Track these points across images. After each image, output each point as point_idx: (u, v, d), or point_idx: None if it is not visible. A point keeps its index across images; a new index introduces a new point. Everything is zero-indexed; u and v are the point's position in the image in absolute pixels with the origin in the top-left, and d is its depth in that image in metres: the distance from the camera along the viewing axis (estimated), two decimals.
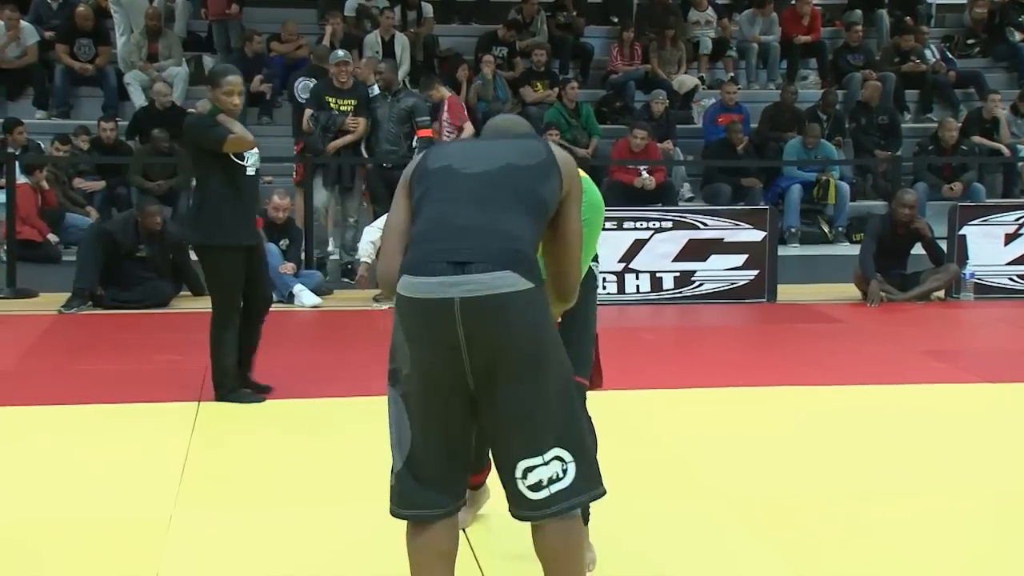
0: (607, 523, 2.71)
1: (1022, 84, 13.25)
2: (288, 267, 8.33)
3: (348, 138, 9.35)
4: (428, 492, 2.60)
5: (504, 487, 2.64)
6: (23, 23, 11.63)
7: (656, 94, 11.86)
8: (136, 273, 8.13)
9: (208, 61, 12.26)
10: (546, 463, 2.57)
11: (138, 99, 11.33)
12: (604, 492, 2.69)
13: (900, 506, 4.05)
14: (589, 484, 2.65)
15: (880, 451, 4.74)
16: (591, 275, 3.28)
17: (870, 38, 13.80)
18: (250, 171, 5.34)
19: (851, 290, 8.60)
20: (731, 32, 13.55)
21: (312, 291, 8.28)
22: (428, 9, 12.94)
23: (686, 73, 12.93)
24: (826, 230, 11.05)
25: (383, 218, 8.47)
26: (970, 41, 14.34)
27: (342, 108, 9.30)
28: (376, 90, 9.69)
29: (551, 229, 2.71)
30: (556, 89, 11.81)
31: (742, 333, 7.90)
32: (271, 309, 8.02)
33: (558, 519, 2.59)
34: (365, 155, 9.55)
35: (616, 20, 13.78)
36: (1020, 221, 9.01)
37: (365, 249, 8.22)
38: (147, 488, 4.19)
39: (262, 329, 5.60)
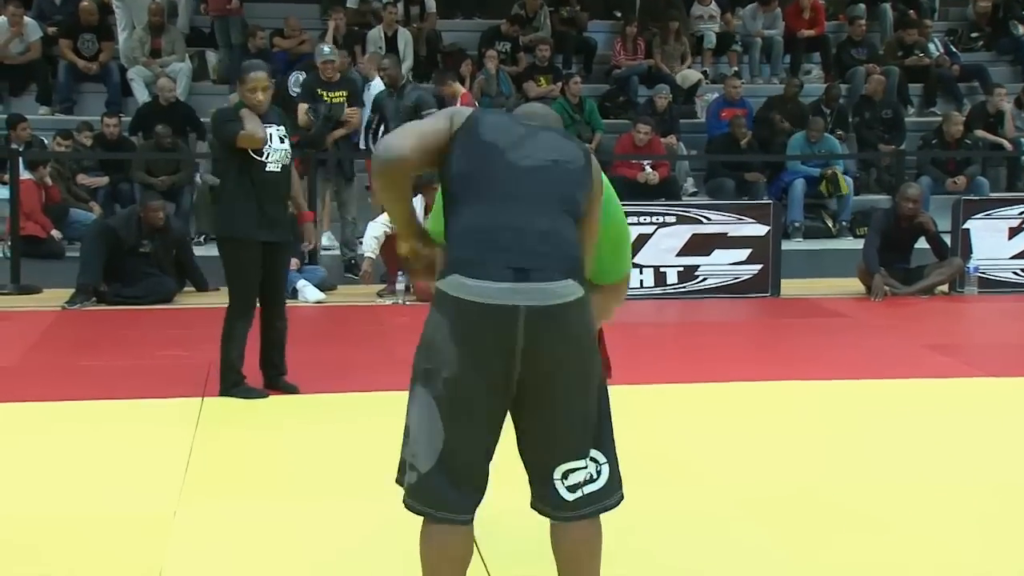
0: (611, 517, 2.70)
1: None
2: (292, 262, 8.32)
3: (342, 130, 9.36)
4: (457, 495, 2.56)
5: (536, 487, 2.63)
6: (27, 19, 11.64)
7: (659, 89, 11.85)
8: (139, 269, 8.13)
9: (211, 57, 12.28)
10: (585, 466, 2.58)
11: (141, 95, 11.33)
12: (623, 497, 2.69)
13: (903, 500, 4.05)
14: (616, 486, 2.66)
15: (883, 445, 4.73)
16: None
17: (873, 32, 13.78)
18: (272, 167, 5.28)
19: (855, 284, 8.59)
20: (734, 26, 13.54)
21: (316, 287, 8.28)
22: (431, 4, 12.94)
23: (689, 68, 12.92)
24: (830, 224, 11.05)
25: (385, 213, 8.50)
26: (974, 35, 14.32)
27: (334, 100, 9.29)
28: (379, 84, 9.68)
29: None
30: (559, 84, 11.80)
31: (746, 327, 7.90)
32: None
33: (585, 520, 2.60)
34: (371, 150, 9.53)
35: (619, 15, 13.78)
36: (1023, 215, 8.99)
37: (369, 244, 8.22)
38: (151, 483, 4.20)
39: (285, 327, 5.55)
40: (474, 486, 2.58)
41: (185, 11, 12.66)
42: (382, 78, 9.57)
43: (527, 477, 2.66)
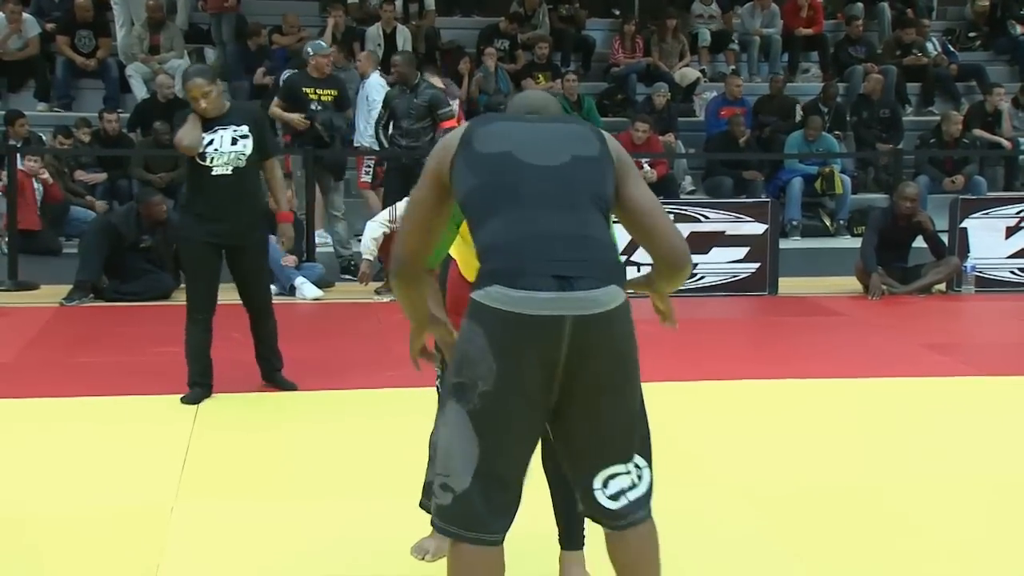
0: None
1: (1023, 77, 13.24)
2: (289, 259, 8.33)
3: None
4: (492, 514, 2.45)
5: (580, 497, 2.57)
6: (25, 15, 11.63)
7: (658, 87, 11.86)
8: (138, 265, 8.13)
9: (210, 54, 12.28)
10: (628, 471, 2.52)
11: (140, 91, 11.33)
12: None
13: (900, 497, 4.05)
14: (652, 492, 2.59)
15: (880, 443, 4.74)
16: None
17: (871, 31, 13.80)
18: (219, 170, 5.14)
19: (852, 283, 8.60)
20: (733, 25, 13.55)
21: (314, 284, 8.29)
22: (430, 1, 12.94)
23: (687, 66, 12.92)
24: (827, 223, 11.06)
25: (384, 213, 8.49)
26: (971, 34, 14.34)
27: (323, 98, 9.23)
28: (375, 81, 9.68)
29: (623, 212, 2.59)
30: (558, 81, 11.81)
31: (743, 326, 7.91)
32: (273, 301, 8.08)
33: (639, 525, 2.54)
34: (383, 147, 9.49)
35: (618, 13, 13.78)
36: (1021, 214, 9.01)
37: (367, 246, 8.21)
38: (149, 479, 4.20)
39: (274, 329, 5.53)
40: (508, 505, 2.49)
41: (184, 8, 12.65)
42: (392, 75, 9.52)
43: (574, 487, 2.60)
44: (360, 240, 8.73)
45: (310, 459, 4.47)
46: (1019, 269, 8.95)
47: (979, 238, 8.85)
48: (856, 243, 9.17)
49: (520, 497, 2.50)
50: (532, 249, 2.40)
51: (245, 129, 5.21)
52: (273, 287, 8.22)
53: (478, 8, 13.79)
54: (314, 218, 9.19)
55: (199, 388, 5.28)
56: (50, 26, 11.83)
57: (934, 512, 3.94)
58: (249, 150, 5.20)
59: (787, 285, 8.63)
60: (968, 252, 8.80)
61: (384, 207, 9.11)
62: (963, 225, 8.88)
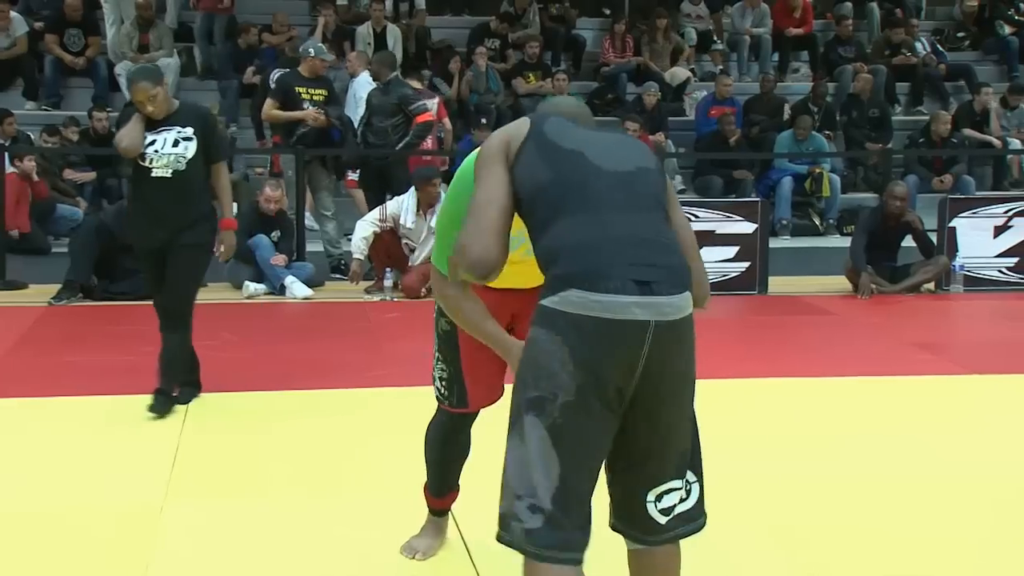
0: (605, 513, 2.71)
1: (1012, 77, 13.30)
2: (279, 259, 8.33)
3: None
4: (576, 532, 2.33)
5: (622, 509, 2.46)
6: (13, 13, 11.60)
7: (648, 86, 11.88)
8: (127, 265, 8.10)
9: (199, 53, 12.26)
10: (680, 486, 2.44)
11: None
12: (706, 522, 2.52)
13: (888, 495, 4.07)
14: (703, 508, 2.51)
15: (869, 441, 4.76)
16: None
17: (861, 31, 13.84)
18: (158, 172, 4.97)
19: (842, 282, 8.62)
20: (722, 25, 13.58)
21: (303, 283, 8.28)
22: (420, 1, 12.94)
23: (677, 66, 12.95)
24: (817, 222, 11.09)
25: (375, 212, 8.50)
26: (960, 34, 14.40)
27: (315, 98, 9.22)
28: (364, 80, 9.67)
29: None
30: (549, 80, 11.82)
31: (733, 325, 7.92)
32: (263, 300, 8.13)
33: (671, 543, 2.47)
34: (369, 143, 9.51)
35: (608, 12, 13.80)
36: (1009, 213, 9.04)
37: (358, 246, 8.21)
38: (138, 478, 4.19)
39: (178, 346, 5.14)
40: (588, 520, 2.36)
41: (173, 6, 12.64)
42: (370, 72, 9.53)
43: (611, 499, 2.49)
44: (350, 239, 8.74)
45: (300, 458, 4.47)
46: (1007, 268, 8.98)
47: (967, 237, 8.88)
48: (846, 242, 9.19)
49: (591, 508, 2.38)
50: (611, 252, 2.30)
51: (189, 131, 5.01)
52: (263, 286, 8.27)
53: (468, 7, 13.80)
54: (303, 217, 9.17)
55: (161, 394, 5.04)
56: (38, 25, 11.81)
57: (921, 509, 3.96)
58: (191, 153, 4.99)
59: (777, 284, 8.65)
60: (957, 251, 8.82)
61: (368, 206, 9.13)
62: (952, 224, 8.90)
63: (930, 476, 4.33)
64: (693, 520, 2.48)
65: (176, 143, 5.01)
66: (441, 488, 3.37)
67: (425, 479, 3.38)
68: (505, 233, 2.41)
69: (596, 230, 2.32)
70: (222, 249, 5.32)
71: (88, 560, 3.45)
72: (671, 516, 2.44)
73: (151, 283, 5.22)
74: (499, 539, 2.37)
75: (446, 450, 3.31)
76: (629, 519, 2.46)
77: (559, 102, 2.79)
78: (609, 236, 2.32)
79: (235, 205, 9.96)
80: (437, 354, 3.18)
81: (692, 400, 2.45)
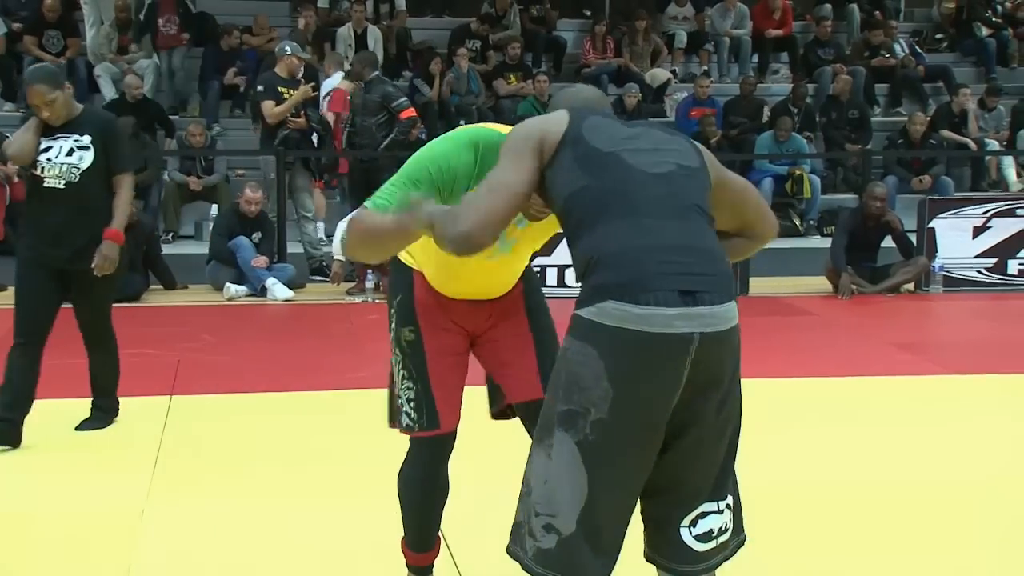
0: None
1: (989, 79, 13.39)
2: (261, 260, 8.31)
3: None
4: (602, 558, 2.20)
5: (655, 536, 2.32)
6: None
7: (629, 87, 11.91)
8: None
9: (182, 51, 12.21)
10: (720, 510, 2.30)
11: (108, 92, 11.26)
12: (746, 537, 2.41)
13: (867, 495, 4.09)
14: (740, 526, 2.39)
15: (849, 441, 4.78)
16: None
17: (840, 32, 13.91)
18: (51, 183, 4.51)
19: (822, 283, 8.66)
20: (704, 26, 13.62)
21: (285, 284, 8.26)
22: (401, 2, 12.94)
23: (659, 67, 12.98)
24: (797, 223, 11.13)
25: (357, 213, 8.46)
26: (938, 36, 14.49)
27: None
28: (335, 82, 9.69)
29: (723, 194, 2.41)
30: (529, 82, 11.84)
31: None
32: (245, 302, 8.11)
33: (713, 572, 2.33)
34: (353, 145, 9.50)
35: (588, 14, 13.83)
36: (988, 214, 9.10)
37: (338, 247, 8.21)
38: (119, 481, 4.18)
39: (103, 368, 4.87)
40: (615, 546, 2.23)
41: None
42: (348, 74, 9.54)
43: (644, 525, 2.35)
44: (331, 240, 8.74)
45: (282, 460, 4.46)
46: (986, 269, 9.04)
47: (947, 238, 8.93)
48: (826, 243, 9.24)
49: (624, 537, 2.25)
50: (652, 261, 2.16)
51: (87, 140, 4.53)
52: (244, 287, 8.25)
53: (449, 9, 13.81)
54: (285, 221, 9.14)
55: (2, 423, 4.56)
56: (17, 26, 11.74)
57: (900, 509, 3.98)
58: (87, 163, 4.52)
59: (757, 285, 8.68)
60: (936, 252, 8.88)
61: (351, 206, 9.13)
62: (931, 225, 8.96)
63: (910, 476, 4.36)
64: (732, 543, 2.35)
65: (71, 152, 4.53)
66: (425, 540, 3.01)
67: (402, 534, 3.03)
68: (505, 225, 2.26)
69: (635, 238, 2.19)
70: (98, 263, 4.56)
71: (69, 563, 3.44)
72: (712, 544, 2.30)
73: (28, 303, 4.62)
74: (508, 551, 2.29)
75: (426, 489, 2.93)
76: (664, 547, 2.31)
77: (579, 91, 2.58)
78: (649, 244, 2.18)
79: (215, 207, 10.10)
80: (402, 372, 2.84)
81: (738, 415, 2.31)
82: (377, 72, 9.42)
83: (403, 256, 2.82)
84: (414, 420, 2.85)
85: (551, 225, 2.57)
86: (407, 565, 3.07)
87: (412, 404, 2.84)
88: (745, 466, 4.37)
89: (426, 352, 2.81)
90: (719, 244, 2.31)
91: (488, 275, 2.76)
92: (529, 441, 2.40)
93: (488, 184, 2.28)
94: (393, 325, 2.86)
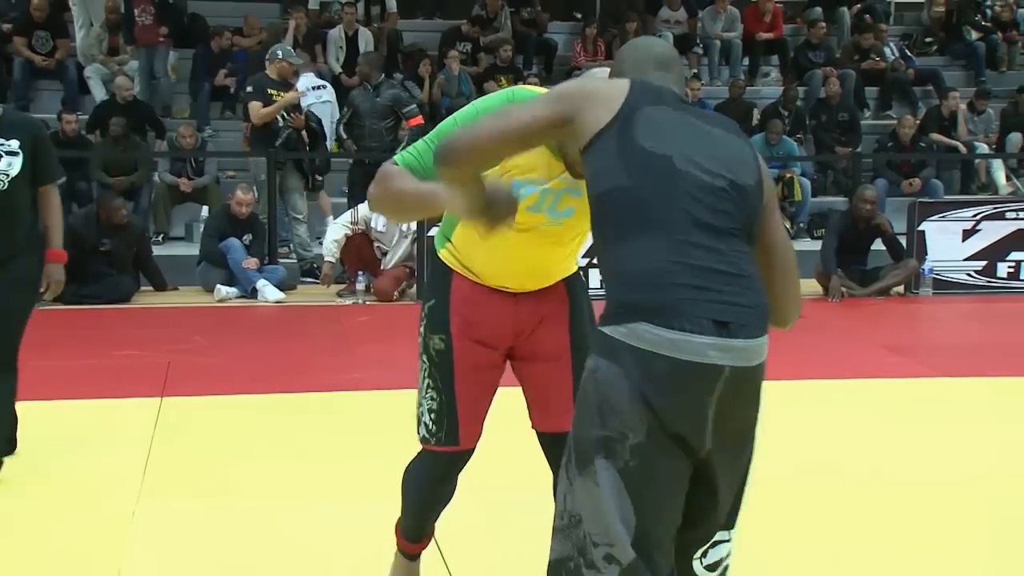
0: None
1: (979, 82, 13.43)
2: (251, 262, 8.30)
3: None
4: None
5: (677, 566, 2.25)
6: None
7: None
8: (98, 268, 8.07)
9: (171, 55, 12.17)
10: (728, 539, 2.27)
11: (99, 93, 11.22)
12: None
13: (854, 497, 4.10)
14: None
15: (838, 444, 4.79)
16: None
17: (831, 36, 13.94)
18: None
19: (812, 285, 8.68)
20: (696, 30, 13.64)
21: (276, 286, 8.26)
22: (392, 4, 12.93)
23: None
24: (788, 226, 11.15)
25: (347, 215, 8.48)
26: (928, 39, 14.53)
27: None
28: (305, 82, 9.70)
29: (760, 244, 2.25)
30: (521, 83, 11.84)
31: None
32: (235, 304, 8.10)
33: None
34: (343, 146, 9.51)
35: (579, 16, 13.84)
36: (977, 217, 9.14)
37: (329, 248, 8.21)
38: (110, 483, 4.17)
39: (6, 392, 4.32)
40: (666, 569, 2.15)
41: None
42: (357, 74, 9.57)
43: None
44: (322, 242, 8.73)
45: (273, 462, 4.45)
46: (975, 271, 9.08)
47: (936, 241, 8.97)
48: (816, 246, 9.26)
49: (672, 558, 2.19)
50: (688, 284, 2.06)
51: (15, 144, 4.16)
52: (235, 289, 8.24)
53: (440, 11, 13.80)
54: (276, 221, 9.14)
55: None
56: (6, 26, 11.70)
57: (890, 509, 3.99)
58: (15, 170, 4.13)
59: None
60: (926, 255, 8.91)
61: (349, 207, 9.12)
62: (921, 228, 8.99)
63: (898, 478, 4.37)
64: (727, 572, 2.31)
65: None
66: (418, 533, 2.97)
67: (399, 518, 2.97)
68: (492, 156, 2.18)
69: (674, 258, 2.07)
70: (46, 285, 4.37)
71: (59, 565, 3.43)
72: (715, 572, 2.26)
73: None
74: None
75: (433, 494, 2.86)
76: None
77: (652, 47, 2.35)
78: (689, 265, 2.07)
79: (205, 209, 10.08)
80: (427, 381, 2.71)
81: (752, 448, 2.28)
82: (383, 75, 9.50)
83: (445, 255, 2.70)
84: (432, 433, 2.72)
85: None
86: (398, 547, 3.03)
87: (433, 415, 2.71)
88: None
89: (455, 364, 2.67)
90: (757, 272, 2.17)
91: (539, 254, 2.59)
92: (537, 462, 2.37)
93: (500, 113, 2.21)
94: (423, 330, 2.72)
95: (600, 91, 2.18)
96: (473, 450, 2.76)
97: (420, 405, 2.75)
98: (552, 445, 2.70)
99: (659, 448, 2.08)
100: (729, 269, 2.10)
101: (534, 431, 2.78)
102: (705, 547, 2.24)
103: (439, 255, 2.72)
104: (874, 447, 4.76)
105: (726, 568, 2.29)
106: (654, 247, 2.08)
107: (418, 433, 2.77)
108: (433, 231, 8.11)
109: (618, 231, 2.12)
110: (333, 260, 8.18)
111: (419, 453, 2.82)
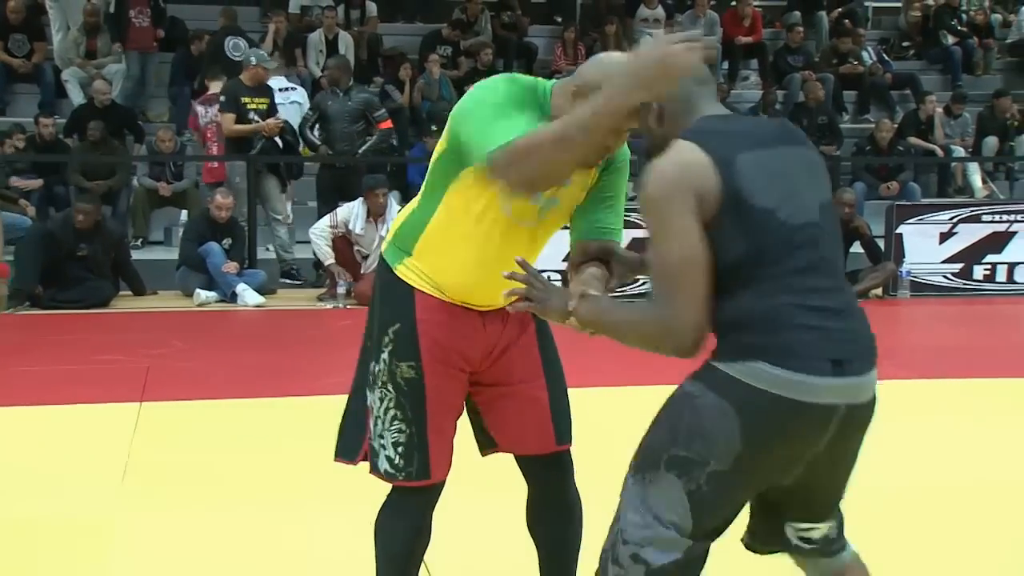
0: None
1: (955, 86, 13.54)
2: (231, 266, 8.28)
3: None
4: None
5: (768, 531, 2.37)
6: None
7: None
8: (75, 273, 8.03)
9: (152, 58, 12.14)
10: (828, 527, 2.38)
11: (76, 97, 11.17)
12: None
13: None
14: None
15: None
16: None
17: (809, 40, 14.01)
18: None
19: None
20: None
21: (255, 290, 8.23)
22: (372, 8, 12.92)
23: None
24: None
25: (326, 220, 8.46)
26: (905, 44, 14.64)
27: (258, 107, 9.17)
28: (278, 83, 9.71)
29: None
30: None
31: None
32: (215, 308, 8.08)
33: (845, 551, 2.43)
34: (314, 149, 9.51)
35: (559, 20, 13.87)
36: (954, 220, 9.21)
37: (324, 252, 8.24)
38: (89, 490, 4.15)
39: None
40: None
41: None
42: (324, 78, 9.56)
43: (754, 527, 2.39)
44: (301, 245, 8.72)
45: (253, 468, 4.44)
46: (952, 274, 9.14)
47: (914, 243, 9.03)
48: None
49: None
50: (805, 325, 2.09)
51: None
52: (214, 293, 8.22)
53: (420, 15, 13.80)
54: (255, 225, 9.11)
55: None
56: None
57: (866, 512, 4.01)
58: None
59: None
60: (903, 257, 8.97)
61: (319, 210, 9.14)
62: (898, 231, 9.05)
63: (873, 481, 4.39)
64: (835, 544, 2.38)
65: None
66: None
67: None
68: (707, 295, 2.09)
69: (791, 300, 2.09)
70: None
71: (37, 571, 3.41)
72: (811, 545, 2.34)
73: None
74: None
75: (410, 541, 2.61)
76: (767, 537, 2.37)
77: (704, 88, 2.27)
78: (804, 308, 2.09)
79: (184, 213, 10.03)
80: (392, 412, 2.52)
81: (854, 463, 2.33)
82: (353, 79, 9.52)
83: (404, 272, 2.53)
84: (399, 468, 2.52)
85: (582, 193, 2.51)
86: None
87: (401, 449, 2.52)
88: None
89: (427, 393, 2.50)
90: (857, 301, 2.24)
91: (518, 253, 2.43)
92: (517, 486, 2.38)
93: (669, 265, 2.09)
94: (384, 356, 2.52)
95: (692, 170, 2.10)
96: (443, 483, 2.61)
97: (379, 438, 2.54)
98: (544, 468, 2.66)
99: (739, 480, 2.12)
100: (840, 306, 2.15)
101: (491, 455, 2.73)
102: (800, 531, 2.32)
103: (395, 272, 2.54)
104: None
105: (828, 539, 2.34)
106: (770, 290, 2.10)
107: (378, 470, 2.56)
108: None
109: (736, 284, 2.11)
110: (333, 260, 8.23)
111: (388, 499, 2.62)
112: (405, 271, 2.54)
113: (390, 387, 2.52)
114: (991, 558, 3.64)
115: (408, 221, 2.58)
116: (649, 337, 2.16)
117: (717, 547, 2.23)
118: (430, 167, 2.56)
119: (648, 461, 2.17)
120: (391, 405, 2.52)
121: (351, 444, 2.65)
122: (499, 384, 2.61)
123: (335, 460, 2.70)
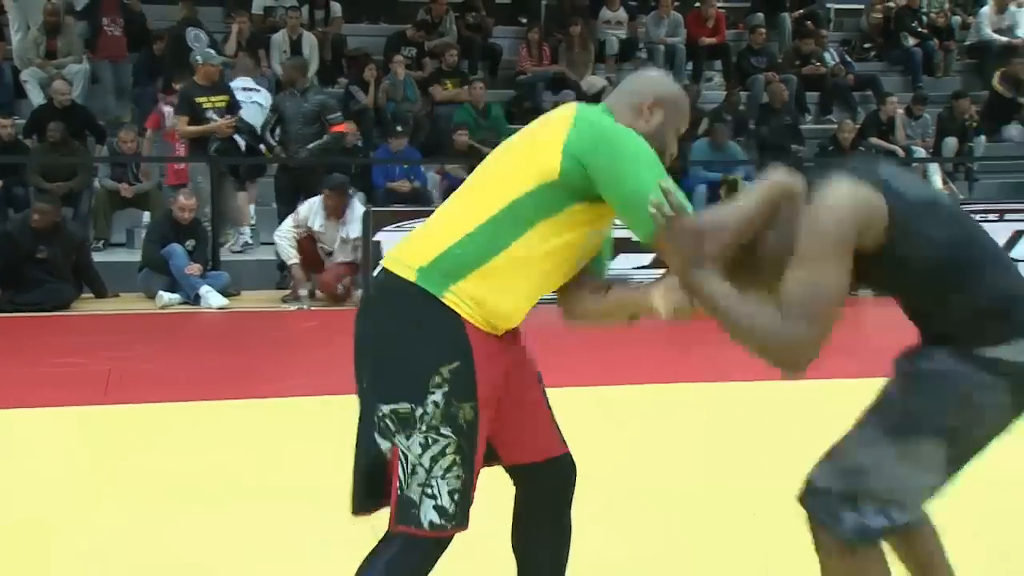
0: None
1: (916, 87, 13.68)
2: (194, 268, 8.22)
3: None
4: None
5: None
6: None
7: (565, 95, 11.96)
8: (35, 275, 7.94)
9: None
10: None
11: (36, 97, 11.04)
12: None
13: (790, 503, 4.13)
14: None
15: (781, 446, 4.83)
16: None
17: (772, 41, 14.11)
18: None
19: None
20: (638, 34, 13.73)
21: (219, 292, 8.17)
22: (336, 8, 12.88)
23: (594, 74, 13.06)
24: None
25: (288, 220, 8.42)
26: (867, 45, 14.78)
27: (216, 105, 9.12)
28: (240, 83, 9.68)
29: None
30: (466, 88, 11.84)
31: (648, 333, 8.00)
32: (178, 310, 8.01)
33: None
34: (271, 150, 9.49)
35: (524, 21, 13.88)
36: None
37: (288, 253, 8.22)
38: (47, 493, 4.09)
39: None
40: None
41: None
42: (280, 78, 9.55)
43: None
44: (265, 247, 8.67)
45: (216, 469, 4.40)
46: None
47: None
48: None
49: None
50: None
51: None
52: (177, 295, 8.15)
53: (385, 15, 13.77)
54: (218, 226, 9.06)
55: None
56: None
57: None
58: None
59: None
60: None
61: (279, 211, 9.11)
62: None
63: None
64: None
65: None
66: None
67: None
68: (835, 318, 2.32)
69: (1018, 279, 2.31)
70: None
71: None
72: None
73: None
74: (807, 505, 2.51)
75: None
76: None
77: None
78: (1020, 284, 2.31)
79: (147, 214, 9.95)
80: (452, 457, 2.27)
81: None
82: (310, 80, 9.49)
83: (453, 301, 2.30)
84: (451, 517, 2.27)
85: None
86: None
87: (457, 497, 2.27)
88: (682, 470, 4.43)
89: (479, 435, 2.31)
90: None
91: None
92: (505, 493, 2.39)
93: (819, 292, 2.30)
94: (436, 398, 2.26)
95: (857, 207, 2.26)
96: None
97: (426, 487, 2.26)
98: (548, 474, 2.56)
99: (983, 445, 2.32)
100: None
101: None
102: None
103: (441, 299, 2.29)
104: (818, 449, 4.80)
105: None
106: (1001, 271, 2.30)
107: (422, 523, 2.27)
108: (380, 236, 8.28)
109: (964, 274, 2.27)
110: (297, 261, 8.21)
111: (400, 552, 2.29)
112: (454, 299, 2.30)
113: (447, 431, 2.27)
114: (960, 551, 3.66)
115: (465, 245, 2.32)
116: (768, 345, 2.35)
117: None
118: (518, 196, 2.37)
119: (908, 427, 2.31)
120: (449, 451, 2.26)
121: (373, 498, 2.38)
122: (507, 396, 2.45)
123: (358, 514, 2.44)
